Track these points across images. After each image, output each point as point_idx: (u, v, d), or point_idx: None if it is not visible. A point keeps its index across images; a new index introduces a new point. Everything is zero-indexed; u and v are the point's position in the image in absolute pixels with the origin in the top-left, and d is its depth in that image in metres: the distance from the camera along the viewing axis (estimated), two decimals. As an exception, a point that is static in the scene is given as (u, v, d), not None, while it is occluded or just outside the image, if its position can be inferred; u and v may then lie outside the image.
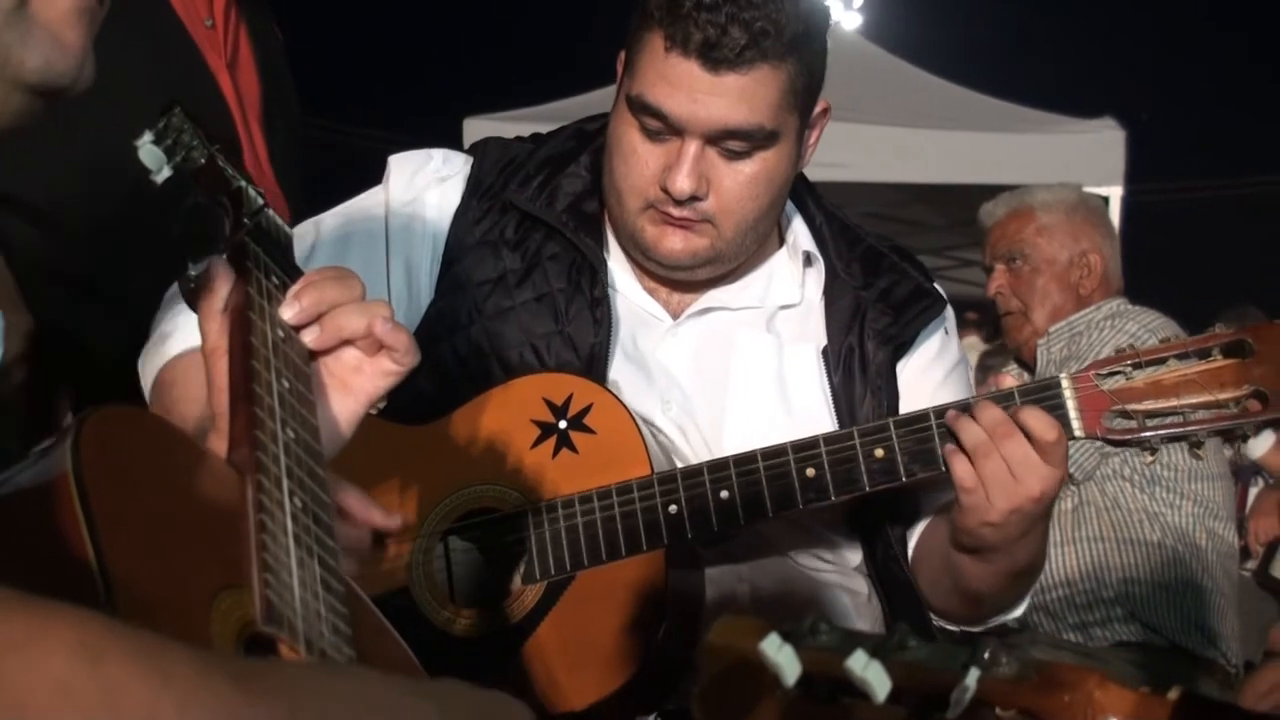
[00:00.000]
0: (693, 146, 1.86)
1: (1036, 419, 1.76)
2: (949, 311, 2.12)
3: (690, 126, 1.85)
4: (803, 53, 1.87)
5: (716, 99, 1.83)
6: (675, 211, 1.90)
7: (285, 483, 1.14)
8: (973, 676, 0.70)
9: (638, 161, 1.91)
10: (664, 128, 1.87)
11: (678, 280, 2.03)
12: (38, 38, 0.97)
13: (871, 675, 0.70)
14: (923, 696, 0.71)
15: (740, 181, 1.90)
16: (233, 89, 2.48)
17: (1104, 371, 1.81)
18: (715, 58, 1.81)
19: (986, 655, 0.71)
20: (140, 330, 2.00)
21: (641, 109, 1.87)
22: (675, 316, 2.04)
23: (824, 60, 1.95)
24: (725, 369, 2.02)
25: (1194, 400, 1.78)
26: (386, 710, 0.83)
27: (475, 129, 7.15)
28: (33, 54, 0.96)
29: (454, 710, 0.88)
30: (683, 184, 1.86)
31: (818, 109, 1.98)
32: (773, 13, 1.81)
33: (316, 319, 1.32)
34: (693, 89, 1.83)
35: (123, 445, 1.05)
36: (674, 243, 1.94)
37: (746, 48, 1.80)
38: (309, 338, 1.31)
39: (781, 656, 0.72)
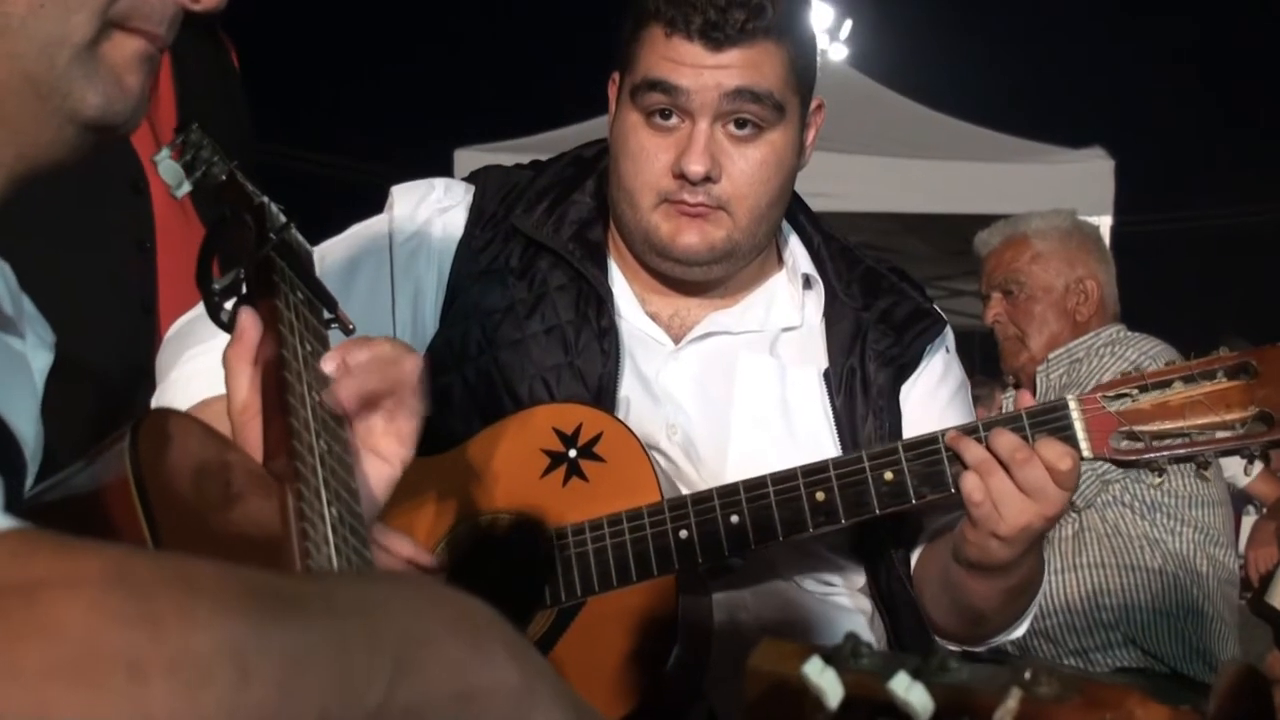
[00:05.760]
0: (703, 125, 1.89)
1: (1051, 449, 1.77)
2: (949, 331, 2.13)
3: (699, 95, 1.87)
4: (796, 37, 1.93)
5: (723, 69, 1.87)
6: (690, 198, 1.92)
7: (323, 493, 1.15)
8: (1015, 697, 0.69)
9: (647, 158, 1.93)
10: (672, 104, 1.90)
11: (693, 281, 2.02)
12: (103, 78, 0.99)
13: (914, 698, 0.70)
14: (965, 718, 0.70)
15: (751, 165, 1.92)
16: (149, 129, 2.48)
17: (1110, 394, 1.82)
18: (718, 37, 1.86)
19: (1028, 675, 0.70)
20: (92, 397, 2.01)
21: (648, 88, 1.90)
22: (677, 341, 2.04)
23: (815, 51, 2.01)
24: (728, 393, 2.02)
25: (1200, 421, 1.78)
26: (436, 605, 0.83)
27: (465, 160, 7.15)
28: (95, 93, 0.98)
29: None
30: (696, 165, 1.88)
31: (813, 104, 2.02)
32: None
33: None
34: (698, 64, 1.87)
35: (176, 449, 1.05)
36: (690, 236, 1.95)
37: (748, 21, 1.85)
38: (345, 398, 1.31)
39: (824, 680, 0.71)
